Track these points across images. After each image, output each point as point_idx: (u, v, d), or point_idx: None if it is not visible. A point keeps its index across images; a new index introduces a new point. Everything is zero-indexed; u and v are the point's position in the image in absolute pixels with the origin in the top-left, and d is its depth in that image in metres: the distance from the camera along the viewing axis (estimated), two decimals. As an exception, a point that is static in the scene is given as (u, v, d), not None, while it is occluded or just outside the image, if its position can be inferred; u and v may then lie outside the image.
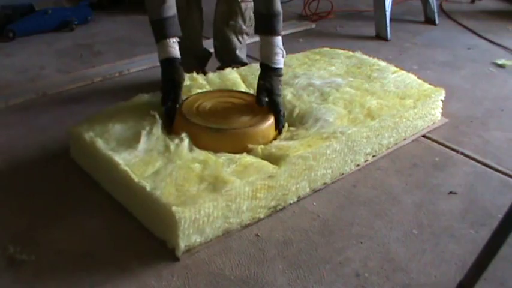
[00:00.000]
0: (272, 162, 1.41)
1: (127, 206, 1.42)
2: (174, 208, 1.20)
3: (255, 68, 1.96)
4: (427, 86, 1.92)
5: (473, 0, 3.73)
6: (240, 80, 1.87)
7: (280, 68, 1.64)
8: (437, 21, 3.19)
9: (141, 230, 1.35)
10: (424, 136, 1.86)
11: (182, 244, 1.25)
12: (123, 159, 1.37)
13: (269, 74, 1.63)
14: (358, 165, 1.65)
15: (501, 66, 2.55)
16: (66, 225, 1.36)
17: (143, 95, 1.71)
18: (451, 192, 1.56)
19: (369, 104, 1.71)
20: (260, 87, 1.61)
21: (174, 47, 1.61)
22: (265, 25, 1.61)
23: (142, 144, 1.43)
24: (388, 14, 2.84)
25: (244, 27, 2.04)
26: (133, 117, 1.57)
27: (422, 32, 3.06)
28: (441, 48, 2.79)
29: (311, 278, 1.23)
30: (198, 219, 1.24)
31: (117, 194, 1.45)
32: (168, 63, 1.61)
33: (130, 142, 1.45)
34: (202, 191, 1.28)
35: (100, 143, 1.44)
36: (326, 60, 2.11)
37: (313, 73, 1.96)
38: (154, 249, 1.29)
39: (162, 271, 1.23)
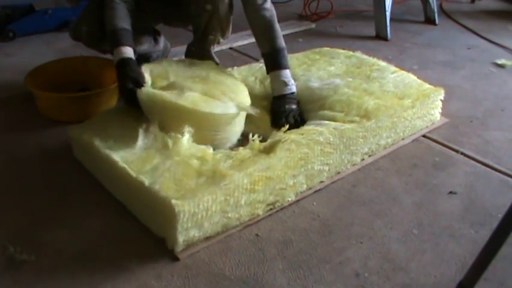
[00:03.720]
0: (267, 153, 1.43)
1: (126, 204, 1.42)
2: (173, 201, 1.21)
3: (255, 69, 1.98)
4: (426, 86, 1.92)
5: (473, 0, 3.74)
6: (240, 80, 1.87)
7: (289, 94, 1.73)
8: (437, 21, 3.19)
9: (141, 230, 1.35)
10: (424, 136, 1.86)
11: (181, 239, 1.25)
12: (121, 157, 1.38)
13: (279, 100, 1.72)
14: (355, 165, 1.66)
15: (501, 66, 2.55)
16: (66, 225, 1.36)
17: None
18: (451, 192, 1.56)
19: (366, 105, 1.70)
20: (271, 112, 1.72)
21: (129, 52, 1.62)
22: (272, 62, 1.76)
23: (140, 142, 1.44)
24: (388, 14, 2.84)
25: (221, 40, 2.02)
26: (132, 116, 1.57)
27: (422, 32, 3.06)
28: (441, 48, 2.79)
29: (311, 278, 1.23)
30: (196, 213, 1.25)
31: (116, 192, 1.46)
32: (123, 63, 1.59)
33: (128, 140, 1.45)
34: (201, 185, 1.28)
35: (98, 143, 1.45)
36: (326, 60, 2.11)
37: (312, 74, 1.95)
38: (154, 249, 1.29)
39: (162, 271, 1.23)
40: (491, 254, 1.00)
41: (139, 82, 1.54)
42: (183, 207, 1.21)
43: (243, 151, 1.43)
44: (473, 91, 2.26)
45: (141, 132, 1.47)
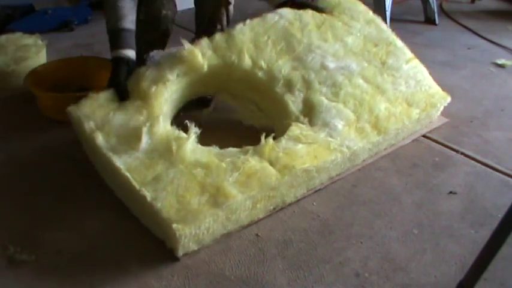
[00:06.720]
0: (277, 169, 1.38)
1: (127, 204, 1.41)
2: (174, 226, 1.19)
3: (269, 23, 1.80)
4: (434, 89, 1.89)
5: (473, 0, 3.73)
6: (251, 44, 1.71)
7: None
8: (437, 21, 3.19)
9: (141, 230, 1.35)
10: (424, 136, 1.86)
11: (181, 252, 1.26)
12: (124, 163, 1.33)
13: None
14: (355, 165, 1.66)
15: (501, 66, 2.55)
16: (66, 225, 1.36)
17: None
18: (451, 192, 1.56)
19: (377, 111, 1.67)
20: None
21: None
22: None
23: (144, 144, 1.39)
24: (388, 14, 2.84)
25: (226, 27, 1.94)
26: (134, 103, 1.49)
27: (422, 32, 3.05)
28: (441, 48, 2.79)
29: (311, 278, 1.23)
30: (197, 234, 1.25)
31: (117, 191, 1.44)
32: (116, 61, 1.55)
33: (131, 140, 1.39)
34: (203, 204, 1.25)
35: (100, 140, 1.38)
36: (345, 21, 1.93)
37: (329, 47, 1.81)
38: (154, 249, 1.29)
39: (162, 271, 1.23)
40: (491, 254, 1.00)
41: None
42: (184, 231, 1.20)
43: (251, 160, 1.38)
44: (473, 91, 2.26)
45: (144, 131, 1.41)
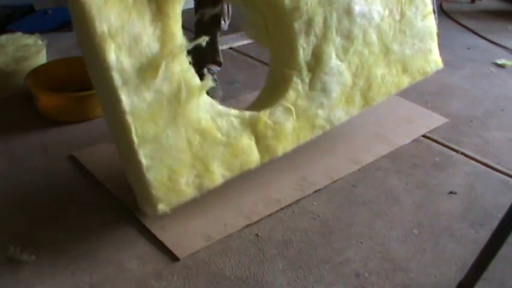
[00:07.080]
0: (259, 148, 1.42)
1: (110, 129, 1.38)
2: (159, 206, 1.25)
3: None
4: (434, 53, 1.88)
5: (473, 0, 3.74)
6: None
7: None
8: (437, 21, 3.18)
9: (141, 230, 1.35)
10: (424, 136, 1.86)
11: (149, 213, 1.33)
12: (130, 104, 1.19)
13: None
14: (356, 164, 1.66)
15: (501, 66, 2.55)
16: (66, 225, 1.36)
17: None
18: (451, 192, 1.56)
19: (373, 77, 1.66)
20: None
21: None
22: None
23: (157, 83, 1.23)
24: (388, 14, 2.83)
25: (224, 26, 1.99)
26: (149, 5, 1.25)
27: (422, 32, 3.05)
28: (441, 48, 2.77)
29: (311, 278, 1.23)
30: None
31: (107, 115, 1.40)
32: None
33: (144, 70, 1.21)
34: (189, 185, 1.30)
35: (112, 58, 1.16)
36: None
37: None
38: (154, 249, 1.29)
39: (162, 271, 1.23)
40: (491, 254, 1.00)
41: None
42: (165, 210, 1.27)
43: (244, 135, 1.39)
44: (473, 91, 2.26)
45: (162, 68, 1.23)
